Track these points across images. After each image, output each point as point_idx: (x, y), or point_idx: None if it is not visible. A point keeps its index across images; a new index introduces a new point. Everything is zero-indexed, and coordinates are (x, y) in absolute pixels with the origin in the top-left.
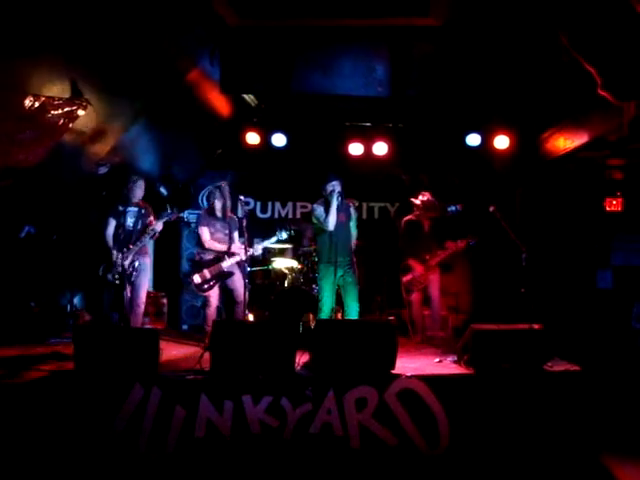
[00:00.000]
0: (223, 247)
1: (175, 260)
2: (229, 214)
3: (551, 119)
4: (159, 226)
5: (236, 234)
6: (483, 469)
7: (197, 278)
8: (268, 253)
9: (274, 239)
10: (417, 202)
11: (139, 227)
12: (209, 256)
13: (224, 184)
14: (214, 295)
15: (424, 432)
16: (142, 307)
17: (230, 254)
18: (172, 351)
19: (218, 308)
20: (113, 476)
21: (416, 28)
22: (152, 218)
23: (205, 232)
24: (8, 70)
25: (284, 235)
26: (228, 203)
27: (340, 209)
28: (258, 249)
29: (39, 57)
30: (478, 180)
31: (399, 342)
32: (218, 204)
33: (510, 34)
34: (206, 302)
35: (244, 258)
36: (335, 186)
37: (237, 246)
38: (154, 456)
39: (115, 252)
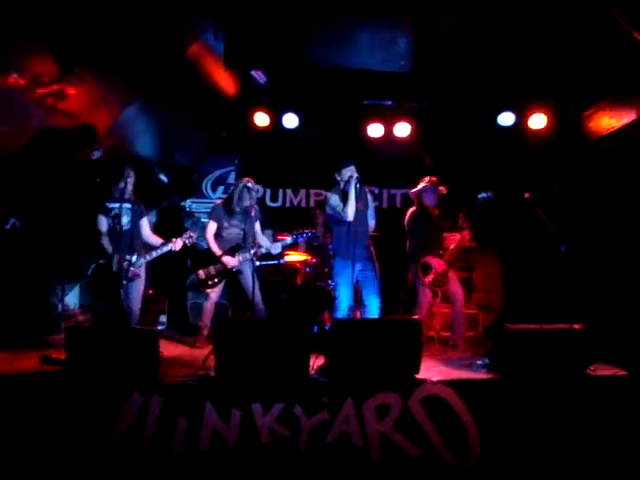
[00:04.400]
0: (218, 251)
1: (182, 255)
2: (252, 207)
3: (594, 95)
4: (178, 245)
5: (258, 225)
6: None
7: (201, 273)
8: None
9: (289, 241)
10: (418, 187)
11: (131, 227)
12: (218, 252)
13: (251, 184)
14: (216, 290)
15: (452, 443)
16: (139, 312)
17: (241, 253)
18: (173, 353)
19: (223, 306)
20: None
21: None
22: (146, 219)
23: (211, 227)
24: None
25: (301, 239)
26: (247, 203)
27: (358, 197)
28: (279, 247)
29: (24, 29)
30: (511, 164)
31: (423, 344)
32: (238, 202)
33: (549, 1)
34: (206, 296)
35: (257, 251)
36: (353, 171)
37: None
38: (155, 470)
39: (115, 258)
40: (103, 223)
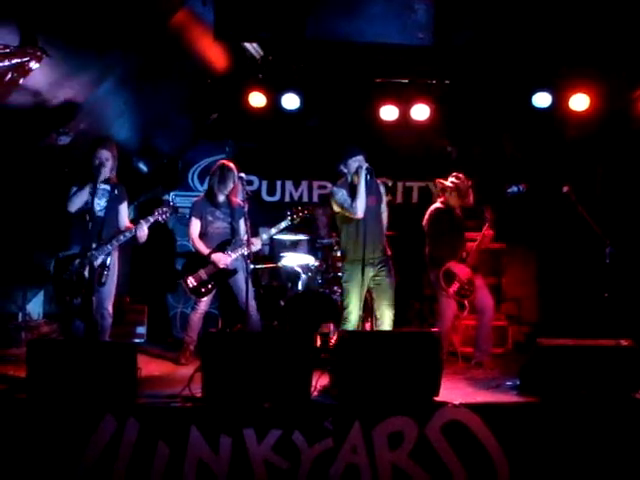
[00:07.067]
0: (206, 250)
1: (165, 257)
2: (236, 201)
3: None
4: (143, 231)
5: (242, 224)
6: None
7: (191, 280)
8: (277, 247)
9: (283, 224)
10: (448, 184)
11: (110, 213)
12: (206, 251)
13: (234, 169)
14: (206, 299)
15: (476, 476)
16: (110, 319)
17: (232, 248)
18: (153, 371)
19: (212, 315)
20: None
21: None
22: (126, 203)
23: (194, 225)
24: None
25: (296, 220)
26: (230, 186)
27: (370, 190)
28: (263, 238)
29: None
30: (547, 153)
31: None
32: (220, 187)
33: None
34: (194, 305)
35: (250, 251)
36: (361, 161)
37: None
38: None
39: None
40: (82, 195)
